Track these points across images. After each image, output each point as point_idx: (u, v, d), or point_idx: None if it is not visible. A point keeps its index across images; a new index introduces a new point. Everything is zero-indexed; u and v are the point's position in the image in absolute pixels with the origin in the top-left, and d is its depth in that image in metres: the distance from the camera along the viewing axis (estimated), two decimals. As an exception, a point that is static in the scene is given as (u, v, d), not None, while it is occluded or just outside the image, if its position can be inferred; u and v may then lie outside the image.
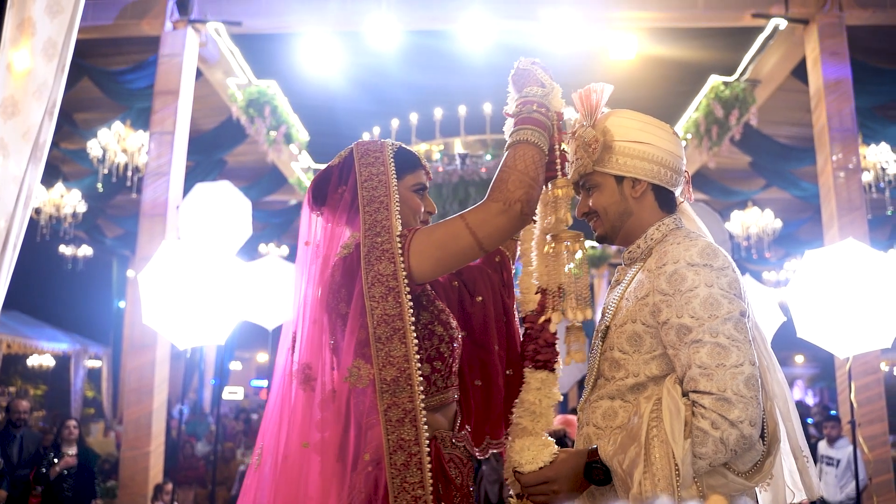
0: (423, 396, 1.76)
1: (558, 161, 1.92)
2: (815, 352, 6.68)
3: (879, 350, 5.66)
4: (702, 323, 1.69)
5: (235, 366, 24.05)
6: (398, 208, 1.88)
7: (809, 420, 11.50)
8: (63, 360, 14.29)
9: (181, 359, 9.75)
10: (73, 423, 7.17)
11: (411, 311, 1.78)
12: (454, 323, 1.97)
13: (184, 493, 8.62)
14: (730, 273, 1.76)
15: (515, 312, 2.19)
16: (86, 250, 14.14)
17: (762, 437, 1.72)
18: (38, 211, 10.44)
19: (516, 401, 1.95)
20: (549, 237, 1.89)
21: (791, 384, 22.07)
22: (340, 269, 1.89)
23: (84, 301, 16.00)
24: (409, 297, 1.78)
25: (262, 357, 24.32)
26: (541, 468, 1.79)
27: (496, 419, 2.06)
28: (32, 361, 14.52)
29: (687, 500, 1.63)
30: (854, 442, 5.20)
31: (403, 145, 2.06)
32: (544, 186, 1.95)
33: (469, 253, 1.83)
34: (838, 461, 7.08)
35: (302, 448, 1.80)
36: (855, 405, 5.09)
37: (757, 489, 1.81)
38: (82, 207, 10.82)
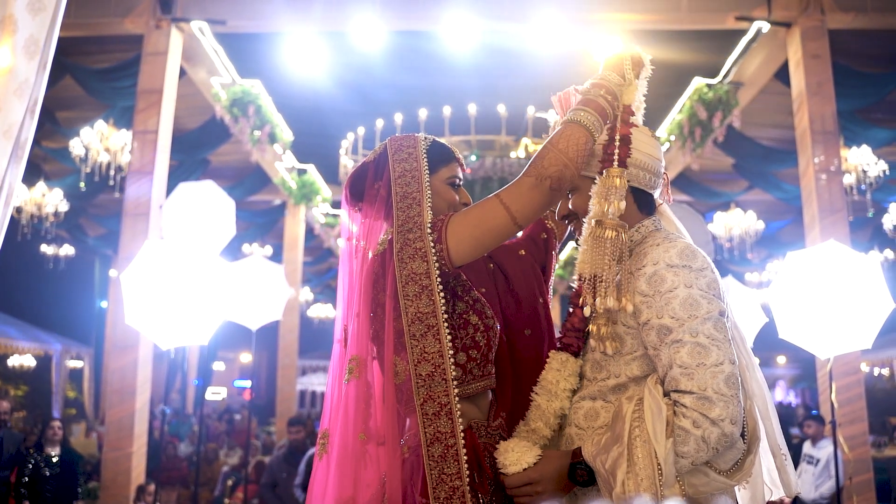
0: (457, 389, 1.79)
1: (617, 151, 1.89)
2: (797, 352, 6.72)
3: (860, 351, 5.70)
4: (682, 323, 1.71)
5: (219, 366, 23.95)
6: (430, 204, 1.90)
7: (795, 431, 11.52)
8: (44, 361, 14.17)
9: (164, 359, 9.70)
10: (57, 423, 7.13)
11: (444, 306, 1.81)
12: (490, 311, 1.98)
13: (166, 494, 8.57)
14: (708, 273, 1.78)
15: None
16: (68, 250, 14.05)
17: (742, 435, 1.74)
18: (19, 210, 10.35)
19: (538, 379, 1.94)
20: (593, 222, 1.86)
21: (773, 385, 22.27)
22: (377, 265, 1.93)
23: (66, 301, 15.89)
24: (441, 294, 1.81)
25: (246, 357, 24.24)
26: (524, 469, 1.80)
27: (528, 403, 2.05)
28: (13, 361, 14.38)
29: (670, 498, 1.64)
30: (834, 442, 5.24)
31: (437, 139, 2.07)
32: (599, 174, 1.91)
33: (504, 229, 1.83)
34: (818, 460, 7.14)
35: (358, 439, 1.86)
36: (836, 405, 5.13)
37: (736, 487, 1.83)
38: (64, 206, 10.73)
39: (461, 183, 2.08)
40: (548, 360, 1.94)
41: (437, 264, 1.81)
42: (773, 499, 1.93)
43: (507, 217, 1.81)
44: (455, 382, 1.79)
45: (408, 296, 1.81)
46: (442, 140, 2.07)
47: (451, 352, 1.81)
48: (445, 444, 1.76)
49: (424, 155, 1.99)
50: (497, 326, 1.98)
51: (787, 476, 1.92)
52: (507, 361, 2.10)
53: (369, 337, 1.92)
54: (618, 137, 1.89)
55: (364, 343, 1.91)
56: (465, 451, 1.76)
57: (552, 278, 2.32)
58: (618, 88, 1.90)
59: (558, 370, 1.90)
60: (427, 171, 1.96)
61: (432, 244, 1.82)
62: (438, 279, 1.81)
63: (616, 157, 1.87)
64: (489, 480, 1.83)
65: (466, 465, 1.75)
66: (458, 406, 1.78)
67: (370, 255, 1.98)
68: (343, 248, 2.05)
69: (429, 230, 1.83)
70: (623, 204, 1.82)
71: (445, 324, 1.80)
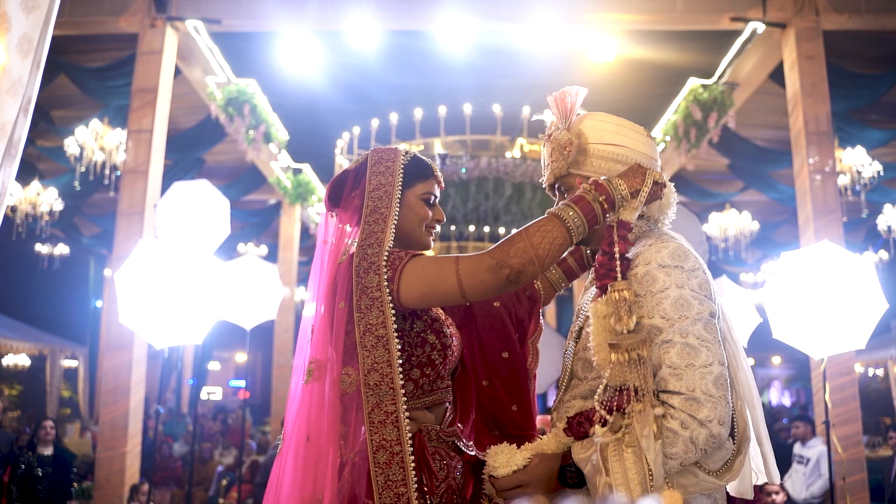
0: (405, 399, 1.82)
1: (618, 264, 1.78)
2: (792, 353, 6.74)
3: (854, 351, 5.71)
4: (672, 323, 1.71)
5: (214, 366, 23.92)
6: (395, 223, 1.94)
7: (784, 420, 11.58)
8: (39, 360, 14.13)
9: (159, 359, 9.69)
10: (49, 423, 7.12)
11: (394, 317, 1.84)
12: (449, 330, 2.00)
13: (160, 494, 8.57)
14: (700, 274, 1.78)
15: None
16: (62, 249, 14.01)
17: (732, 435, 1.74)
18: (13, 209, 10.34)
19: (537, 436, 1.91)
20: (607, 345, 1.75)
21: (768, 385, 22.20)
22: (337, 275, 1.96)
23: (60, 300, 15.85)
24: (392, 305, 1.84)
25: (241, 357, 24.20)
26: (514, 472, 1.80)
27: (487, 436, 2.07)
28: (7, 361, 14.34)
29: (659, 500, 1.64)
30: (828, 442, 5.25)
31: (419, 154, 2.10)
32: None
33: (451, 297, 1.84)
34: (808, 460, 7.16)
35: (307, 441, 1.89)
36: (829, 405, 5.14)
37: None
38: (59, 206, 10.72)
39: (436, 200, 2.11)
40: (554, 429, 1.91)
41: (387, 278, 1.84)
42: (757, 482, 1.94)
43: (457, 288, 1.81)
44: (403, 392, 1.82)
45: (360, 309, 1.85)
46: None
47: (401, 362, 1.85)
48: (391, 451, 1.79)
49: (401, 170, 2.02)
50: (455, 344, 2.01)
51: (768, 466, 1.94)
52: (472, 390, 2.10)
53: (329, 342, 1.95)
54: (617, 252, 1.79)
55: (324, 347, 1.94)
56: (412, 459, 1.79)
57: (535, 337, 2.24)
58: (619, 200, 1.80)
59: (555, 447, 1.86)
60: (400, 187, 1.99)
61: (385, 260, 1.86)
62: (388, 290, 1.84)
63: (619, 272, 1.78)
64: (439, 483, 1.87)
65: (413, 473, 1.79)
66: (406, 415, 1.81)
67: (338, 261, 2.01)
68: (318, 250, 2.08)
69: (386, 256, 1.87)
70: (630, 320, 1.72)
71: (395, 335, 1.83)
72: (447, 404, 2.02)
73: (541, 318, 2.27)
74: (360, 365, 1.84)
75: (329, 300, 1.95)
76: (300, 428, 1.91)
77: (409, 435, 1.80)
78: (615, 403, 1.71)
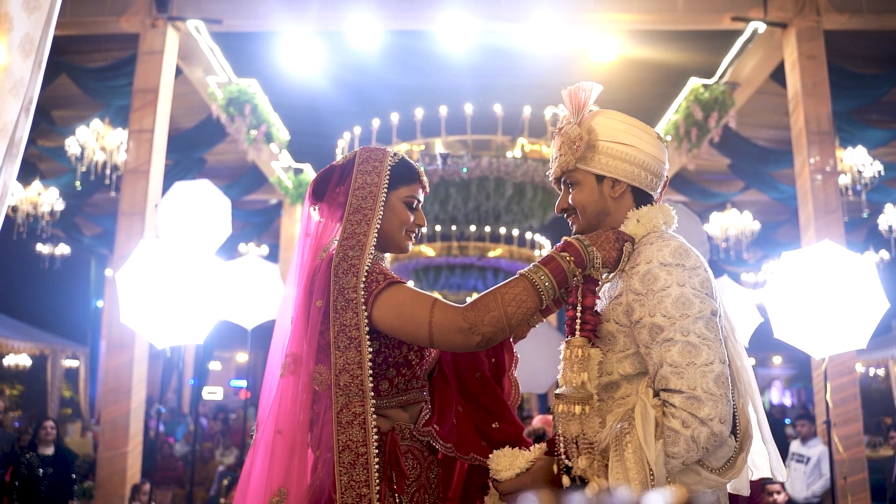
0: (374, 400, 1.84)
1: (580, 320, 1.82)
2: (793, 353, 6.73)
3: (855, 351, 5.71)
4: (673, 322, 1.71)
5: (215, 366, 23.90)
6: (378, 226, 1.94)
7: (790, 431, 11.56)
8: (40, 360, 14.13)
9: (160, 358, 9.71)
10: (50, 423, 7.12)
11: (367, 320, 1.85)
12: None
13: (161, 494, 8.56)
14: (701, 272, 1.78)
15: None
16: (63, 249, 14.01)
17: (734, 433, 1.74)
18: (14, 209, 10.34)
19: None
20: (556, 395, 1.81)
21: (769, 385, 22.15)
22: (315, 272, 1.96)
23: (61, 300, 15.85)
24: (365, 308, 1.85)
25: (242, 357, 24.20)
26: (517, 475, 1.81)
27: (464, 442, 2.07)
28: (8, 361, 14.35)
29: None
30: (829, 442, 5.24)
31: (407, 158, 2.10)
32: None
33: (419, 341, 1.86)
34: (808, 459, 7.15)
35: (278, 434, 1.89)
36: (830, 405, 5.14)
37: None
38: (60, 206, 10.71)
39: (419, 205, 2.11)
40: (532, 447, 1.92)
41: (364, 283, 1.86)
42: (752, 478, 1.95)
43: (426, 335, 1.82)
44: (374, 393, 1.84)
45: (337, 309, 1.86)
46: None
47: (379, 362, 1.88)
48: (356, 452, 1.81)
49: (388, 171, 2.02)
50: None
51: (773, 463, 1.94)
52: (452, 393, 2.10)
53: (304, 338, 1.95)
54: (579, 308, 1.83)
55: (300, 342, 1.95)
56: (377, 461, 1.81)
57: (513, 368, 2.23)
58: (590, 261, 1.82)
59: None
60: (386, 188, 2.00)
61: (368, 263, 1.88)
62: (363, 294, 1.85)
63: (579, 327, 1.82)
64: (406, 481, 1.90)
65: (377, 475, 1.80)
66: (374, 417, 1.83)
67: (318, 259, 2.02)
68: (298, 243, 2.08)
69: (367, 267, 1.88)
70: (591, 374, 1.77)
71: (367, 337, 1.84)
72: (423, 404, 2.03)
73: (511, 352, 2.25)
74: (332, 365, 1.85)
75: (306, 297, 1.96)
76: (272, 421, 1.91)
77: (376, 437, 1.82)
78: (570, 452, 1.75)
